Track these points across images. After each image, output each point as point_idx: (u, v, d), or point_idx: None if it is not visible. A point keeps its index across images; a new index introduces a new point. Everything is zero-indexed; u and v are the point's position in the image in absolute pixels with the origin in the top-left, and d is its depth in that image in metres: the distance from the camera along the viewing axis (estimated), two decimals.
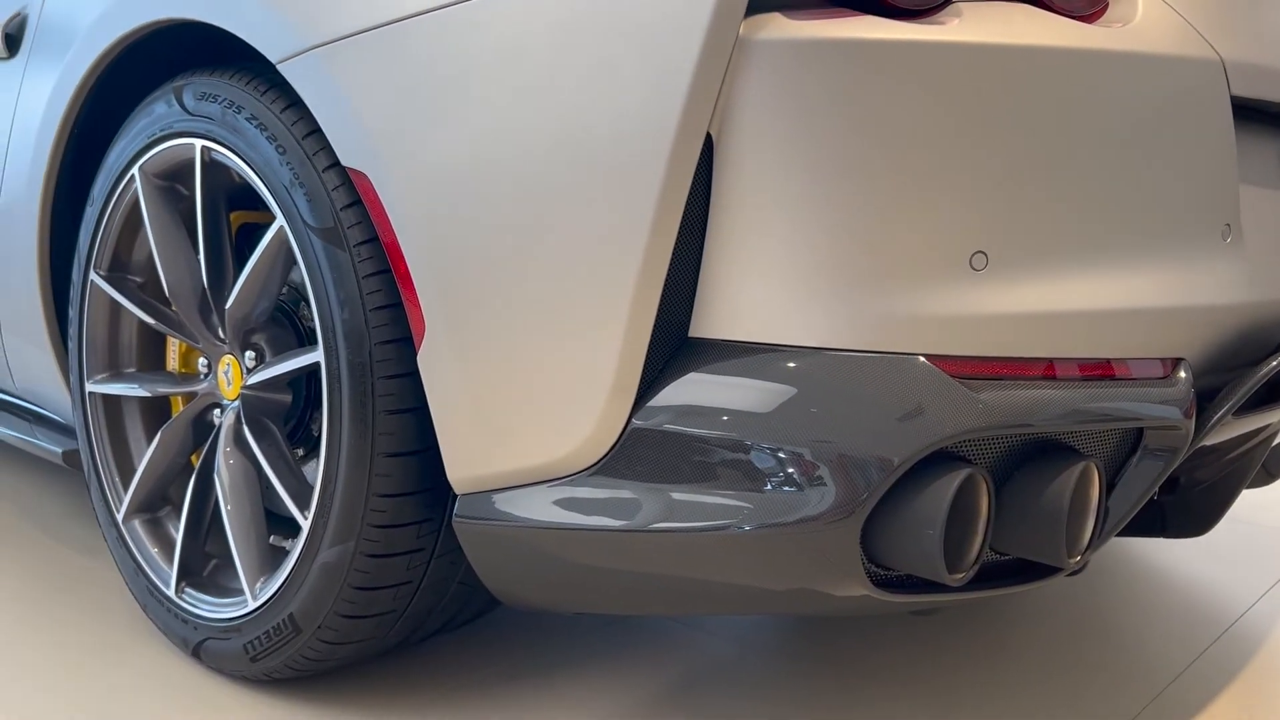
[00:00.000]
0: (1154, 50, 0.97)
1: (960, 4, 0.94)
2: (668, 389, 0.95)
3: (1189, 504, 1.31)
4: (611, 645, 1.42)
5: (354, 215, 1.05)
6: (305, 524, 1.12)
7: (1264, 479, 1.69)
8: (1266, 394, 1.21)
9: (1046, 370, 0.96)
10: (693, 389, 0.95)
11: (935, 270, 0.92)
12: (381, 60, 1.00)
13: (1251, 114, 1.15)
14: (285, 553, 1.18)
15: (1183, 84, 0.99)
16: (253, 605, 1.20)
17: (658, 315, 0.94)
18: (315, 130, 1.07)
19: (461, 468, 1.02)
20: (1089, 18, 0.98)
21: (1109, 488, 1.03)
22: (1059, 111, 0.93)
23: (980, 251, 0.92)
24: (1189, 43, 1.00)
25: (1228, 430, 1.12)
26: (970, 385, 0.92)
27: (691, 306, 0.95)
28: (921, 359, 0.92)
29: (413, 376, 1.04)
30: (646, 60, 0.90)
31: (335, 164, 1.06)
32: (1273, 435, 1.26)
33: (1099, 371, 0.98)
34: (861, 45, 0.88)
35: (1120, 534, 1.37)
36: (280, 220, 1.12)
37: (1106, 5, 1.00)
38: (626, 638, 1.44)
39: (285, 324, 1.29)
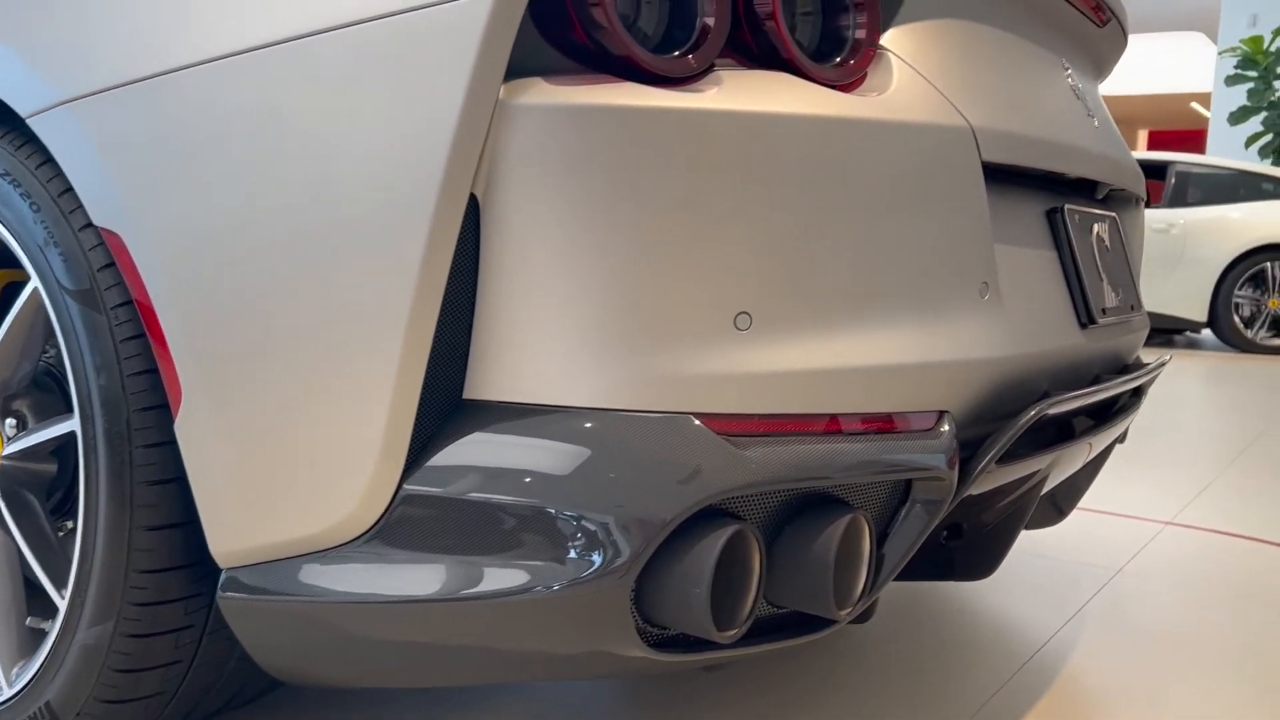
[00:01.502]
0: (907, 119, 1.02)
1: (721, 72, 0.97)
2: (439, 454, 0.93)
3: (973, 547, 1.36)
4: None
5: (111, 276, 1.00)
6: (62, 604, 1.05)
7: (1056, 516, 1.78)
8: (1033, 441, 1.27)
9: (812, 426, 0.98)
10: (464, 452, 0.93)
11: (701, 331, 0.93)
12: (133, 117, 0.96)
13: (1009, 178, 1.22)
14: (45, 635, 1.10)
15: (935, 150, 1.04)
16: (8, 693, 1.11)
17: (427, 378, 0.92)
18: (70, 188, 1.02)
19: (224, 540, 0.98)
20: (846, 87, 1.03)
21: (881, 538, 1.06)
22: (816, 176, 0.96)
23: (744, 312, 0.94)
24: (941, 111, 1.06)
25: (996, 479, 1.17)
26: (737, 443, 0.93)
27: (465, 368, 0.94)
28: (688, 418, 0.93)
29: (174, 445, 0.99)
30: (406, 123, 0.89)
31: (91, 223, 1.01)
32: (1044, 480, 1.32)
33: (863, 426, 1.01)
34: (621, 112, 0.90)
35: (909, 579, 1.41)
36: (35, 281, 1.06)
37: (864, 76, 1.05)
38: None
39: (53, 389, 1.22)
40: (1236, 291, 7.58)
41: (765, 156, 0.94)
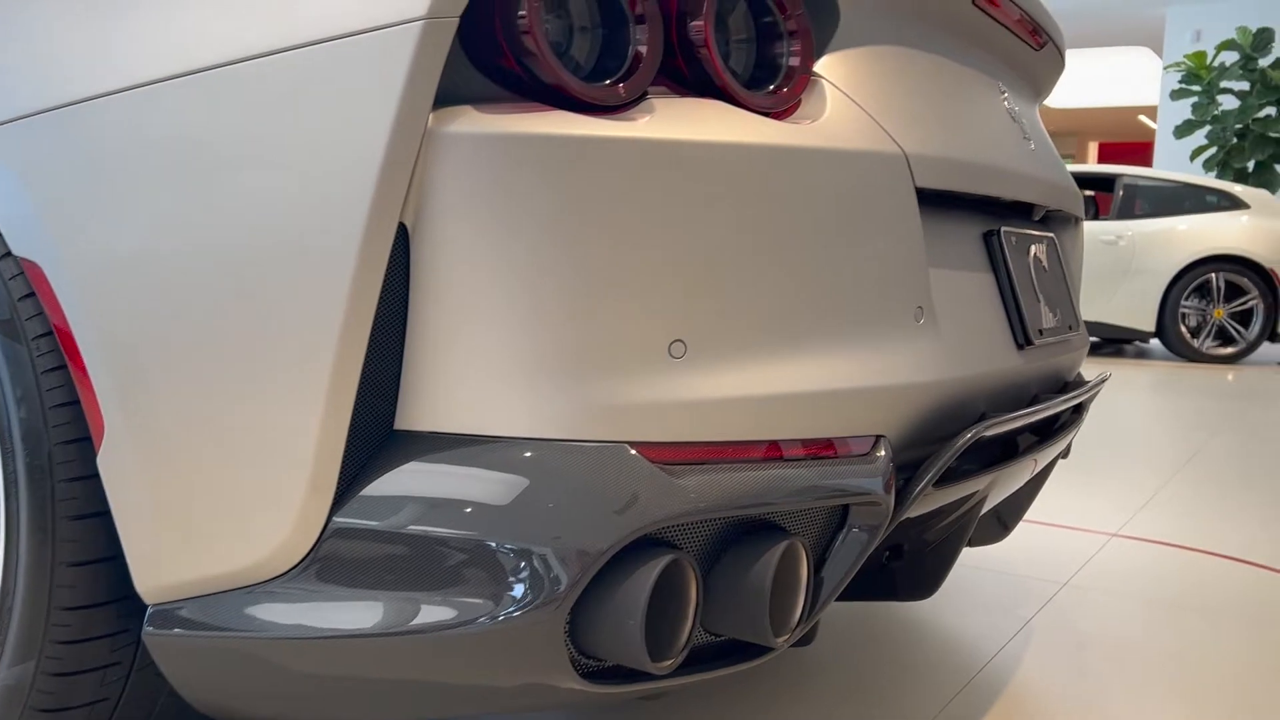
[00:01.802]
0: (840, 146, 1.03)
1: (654, 100, 0.97)
2: (370, 485, 0.92)
3: (915, 567, 1.37)
4: None
5: (33, 306, 0.98)
6: None
7: (1000, 533, 1.79)
8: (971, 463, 1.28)
9: (748, 453, 0.98)
10: (395, 484, 0.92)
11: (636, 359, 0.92)
12: (52, 144, 0.94)
13: (945, 202, 1.23)
14: None
15: (869, 177, 1.05)
16: None
17: (357, 409, 0.91)
18: None
19: (150, 576, 0.96)
20: (780, 114, 1.03)
21: (819, 563, 1.06)
22: (749, 204, 0.96)
23: (679, 340, 0.94)
24: (874, 138, 1.07)
25: (934, 501, 1.18)
26: (672, 471, 0.93)
27: (396, 399, 0.93)
28: (623, 447, 0.92)
29: (97, 479, 0.97)
30: (333, 151, 0.88)
31: (10, 253, 0.98)
32: (984, 499, 1.33)
33: (799, 452, 1.01)
34: (550, 140, 0.89)
35: (852, 599, 1.42)
36: None
37: (798, 103, 1.05)
38: None
39: None
40: (1183, 302, 7.72)
41: (697, 185, 0.94)
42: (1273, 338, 7.66)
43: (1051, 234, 1.55)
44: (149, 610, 0.97)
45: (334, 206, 0.88)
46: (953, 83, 1.28)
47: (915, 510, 1.14)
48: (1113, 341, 8.18)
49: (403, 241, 0.90)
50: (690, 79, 1.00)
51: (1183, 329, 7.73)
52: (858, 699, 1.59)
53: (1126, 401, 5.26)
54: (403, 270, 0.90)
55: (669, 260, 0.93)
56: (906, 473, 1.12)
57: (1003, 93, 1.44)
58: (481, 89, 0.93)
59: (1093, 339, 7.54)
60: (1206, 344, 7.72)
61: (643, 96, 0.96)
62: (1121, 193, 8.05)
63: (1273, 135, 9.92)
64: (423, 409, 0.92)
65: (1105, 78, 16.07)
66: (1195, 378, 6.60)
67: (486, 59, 0.92)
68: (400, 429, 0.93)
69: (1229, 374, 6.88)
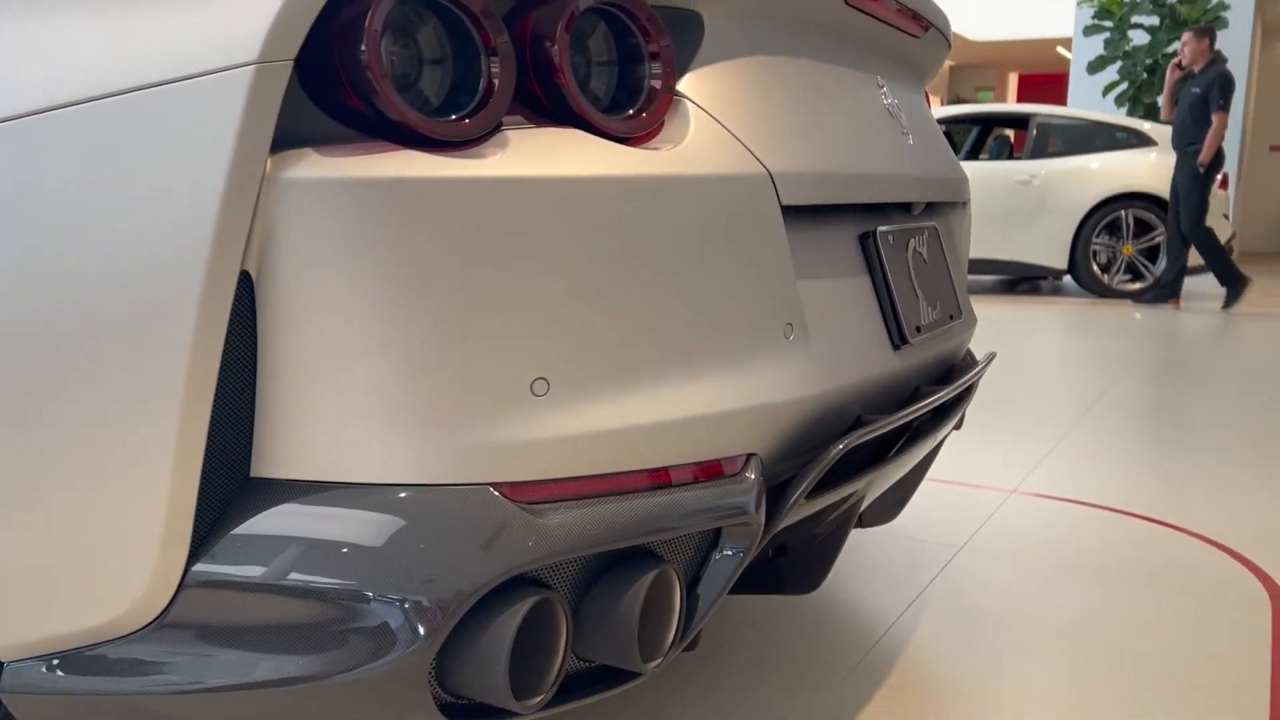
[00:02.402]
0: (701, 172, 1.02)
1: (508, 132, 0.95)
2: (226, 536, 0.90)
3: (800, 562, 1.39)
4: None
5: None
6: None
7: (889, 514, 1.83)
8: (847, 466, 1.30)
9: (617, 484, 0.99)
10: (252, 534, 0.90)
11: (497, 400, 0.92)
12: None
13: (819, 209, 1.23)
14: None
15: (732, 200, 1.04)
16: None
17: (208, 459, 0.88)
18: None
19: (3, 633, 0.93)
20: (640, 139, 1.01)
21: (693, 583, 1.08)
22: (608, 236, 0.95)
23: (541, 378, 0.93)
24: (738, 160, 1.06)
25: (809, 508, 1.20)
26: (537, 511, 0.93)
27: (250, 447, 0.91)
28: (486, 489, 0.92)
29: None
30: (170, 198, 0.85)
31: None
32: (863, 496, 1.36)
33: (669, 479, 1.02)
34: (394, 184, 0.87)
35: (740, 593, 1.44)
36: None
37: (660, 126, 1.04)
38: None
39: None
40: (1094, 239, 7.91)
41: (550, 221, 0.92)
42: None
43: (934, 223, 1.56)
44: (4, 667, 0.95)
45: (173, 256, 0.85)
46: (826, 87, 1.28)
47: (791, 519, 1.15)
48: (1027, 279, 8.35)
49: (247, 290, 0.87)
50: (548, 107, 0.98)
51: (1094, 266, 7.93)
52: (760, 678, 1.63)
53: (1033, 345, 5.40)
54: (249, 319, 0.88)
55: (525, 298, 0.92)
56: (780, 487, 1.13)
57: (881, 87, 1.44)
58: (326, 129, 0.90)
59: (1008, 277, 7.69)
60: (1116, 279, 7.93)
61: (497, 128, 0.94)
62: (1035, 131, 8.17)
63: None
64: (277, 457, 0.91)
65: (1023, 10, 16.16)
66: (1104, 316, 6.79)
67: (330, 98, 0.89)
68: (257, 477, 0.91)
69: (1136, 313, 7.08)
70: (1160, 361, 4.85)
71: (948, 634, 1.81)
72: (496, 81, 0.93)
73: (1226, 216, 8.06)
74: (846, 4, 1.30)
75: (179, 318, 0.85)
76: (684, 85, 1.07)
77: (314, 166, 0.86)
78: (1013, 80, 22.83)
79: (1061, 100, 13.66)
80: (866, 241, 1.33)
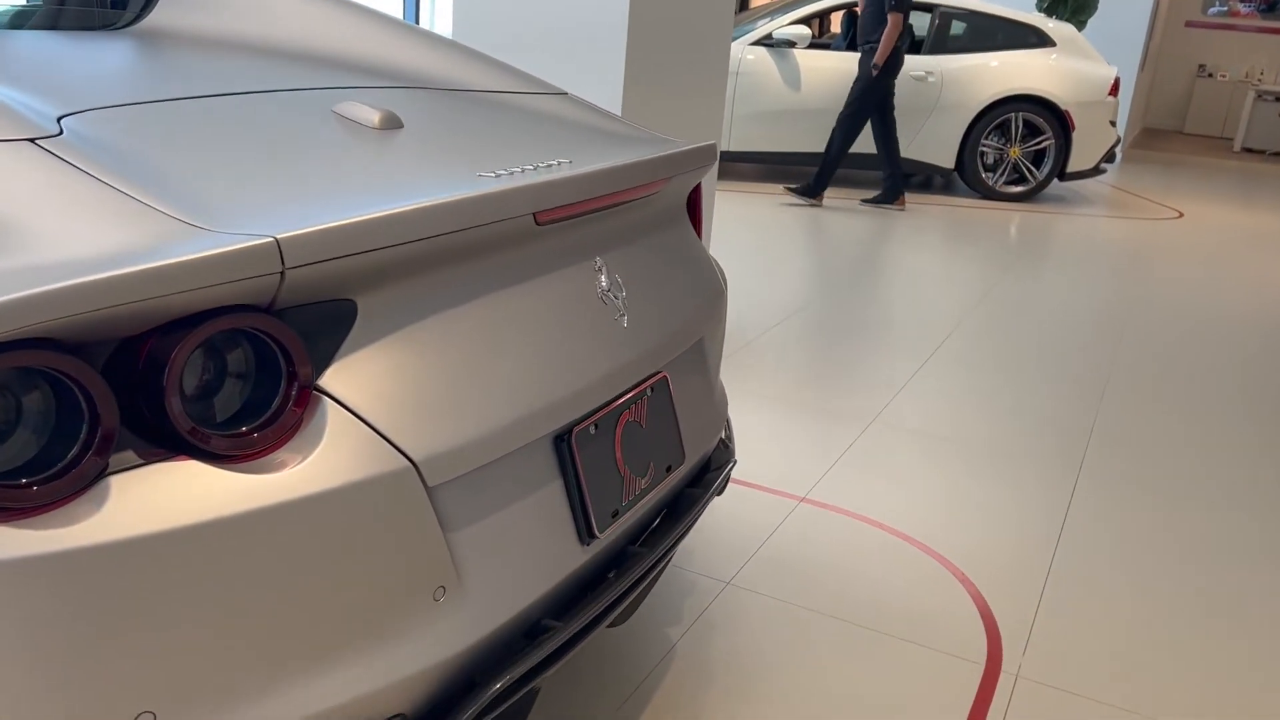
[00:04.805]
0: (332, 485, 1.03)
1: (110, 477, 0.94)
2: None
3: None
4: None
5: None
6: None
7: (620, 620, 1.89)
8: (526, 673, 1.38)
9: None
10: None
11: None
12: None
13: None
14: None
15: (372, 499, 1.06)
16: None
17: None
18: None
19: None
20: (268, 451, 1.02)
21: None
22: (228, 568, 0.97)
23: (148, 711, 0.97)
24: (378, 459, 1.07)
25: None
26: None
27: None
28: None
29: None
30: None
31: None
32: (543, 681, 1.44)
33: None
34: None
35: None
36: None
37: (289, 436, 1.04)
38: None
39: None
40: (983, 140, 7.94)
41: (162, 570, 0.94)
42: (1061, 176, 8.02)
43: (662, 373, 1.59)
44: None
45: None
46: (510, 314, 1.27)
47: None
48: (918, 175, 8.38)
49: None
50: (164, 438, 0.98)
51: (980, 167, 7.99)
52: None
53: (898, 263, 5.48)
54: None
55: (127, 647, 0.94)
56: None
57: (599, 271, 1.44)
58: None
59: (905, 173, 7.66)
60: (1000, 182, 8.03)
61: (95, 482, 0.94)
62: (936, 23, 8.03)
63: None
64: None
65: None
66: (984, 222, 6.90)
67: None
68: None
69: (1016, 217, 7.21)
70: (1025, 286, 5.00)
71: (698, 683, 1.95)
72: (97, 433, 0.92)
73: (1113, 123, 8.13)
74: (537, 224, 1.28)
75: None
76: (328, 379, 1.07)
77: None
78: None
79: None
80: (560, 445, 1.36)
